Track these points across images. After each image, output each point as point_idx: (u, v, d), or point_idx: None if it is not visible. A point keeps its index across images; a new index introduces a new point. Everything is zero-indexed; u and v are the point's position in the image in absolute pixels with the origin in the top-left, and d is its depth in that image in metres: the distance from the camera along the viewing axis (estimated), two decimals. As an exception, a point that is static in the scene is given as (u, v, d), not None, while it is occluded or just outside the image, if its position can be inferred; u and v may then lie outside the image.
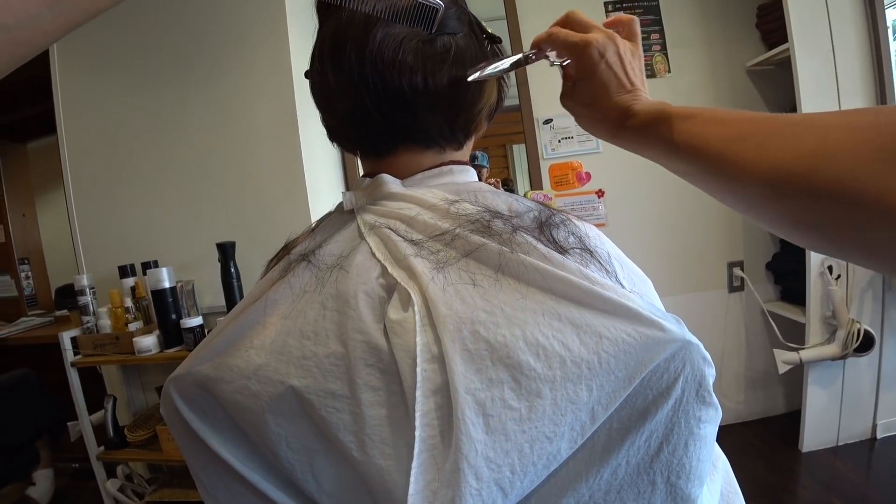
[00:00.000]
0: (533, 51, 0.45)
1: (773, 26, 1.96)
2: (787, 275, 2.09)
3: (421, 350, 0.32)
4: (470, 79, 0.42)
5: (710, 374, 0.34)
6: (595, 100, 0.43)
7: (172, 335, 1.55)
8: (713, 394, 0.35)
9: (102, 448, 1.69)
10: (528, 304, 0.33)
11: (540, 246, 0.36)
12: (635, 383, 0.32)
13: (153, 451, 1.64)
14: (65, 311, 2.43)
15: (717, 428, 0.36)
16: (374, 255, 0.39)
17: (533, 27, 2.05)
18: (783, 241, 2.13)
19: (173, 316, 1.56)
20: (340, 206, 0.47)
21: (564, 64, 0.46)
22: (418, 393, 0.31)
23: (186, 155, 1.76)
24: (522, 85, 2.04)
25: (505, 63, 0.43)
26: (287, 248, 0.46)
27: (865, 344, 1.76)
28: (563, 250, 0.37)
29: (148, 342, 1.54)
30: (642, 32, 1.94)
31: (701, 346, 0.34)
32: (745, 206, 0.34)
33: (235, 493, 0.37)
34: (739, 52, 2.09)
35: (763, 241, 2.16)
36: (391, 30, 0.40)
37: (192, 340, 1.52)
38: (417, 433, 0.31)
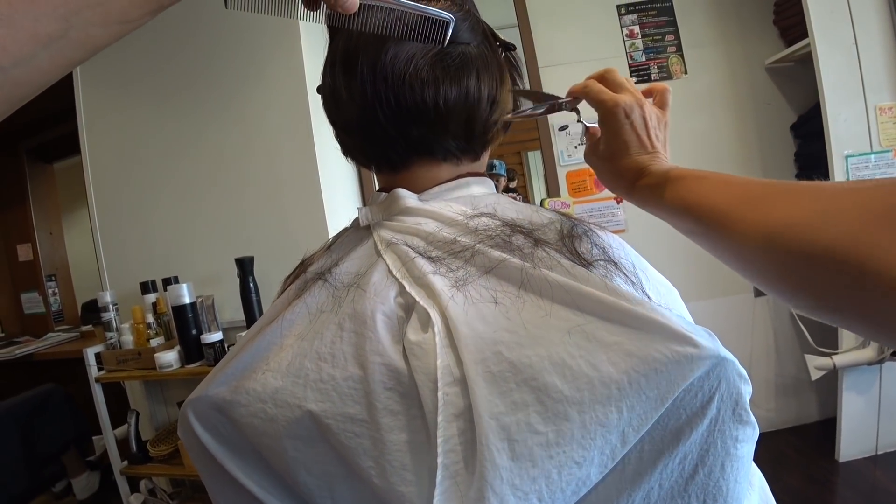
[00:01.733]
0: (568, 98, 0.48)
1: (791, 21, 1.92)
2: (816, 277, 2.02)
3: (442, 373, 0.31)
4: (508, 118, 0.46)
5: (747, 391, 0.33)
6: (615, 156, 0.46)
7: (193, 350, 1.57)
8: (750, 412, 0.33)
9: (126, 462, 1.71)
10: (553, 321, 0.32)
11: (563, 260, 0.35)
12: (667, 403, 0.30)
13: (175, 466, 1.66)
14: (90, 326, 2.48)
15: (753, 447, 0.35)
16: (391, 272, 0.38)
17: (544, 34, 2.04)
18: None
19: (194, 331, 1.57)
20: (356, 221, 0.46)
21: (590, 126, 0.50)
22: (440, 418, 0.30)
23: (205, 172, 1.79)
24: (536, 92, 2.03)
25: (541, 107, 0.48)
26: (303, 266, 0.46)
27: (903, 348, 1.68)
28: (587, 263, 0.36)
29: (169, 357, 1.55)
30: (656, 34, 1.92)
31: (736, 361, 0.32)
32: (744, 264, 0.34)
33: None
34: (757, 50, 2.04)
35: (789, 243, 2.09)
36: (404, 42, 0.40)
37: (212, 356, 1.54)
38: (440, 459, 0.30)
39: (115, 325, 1.69)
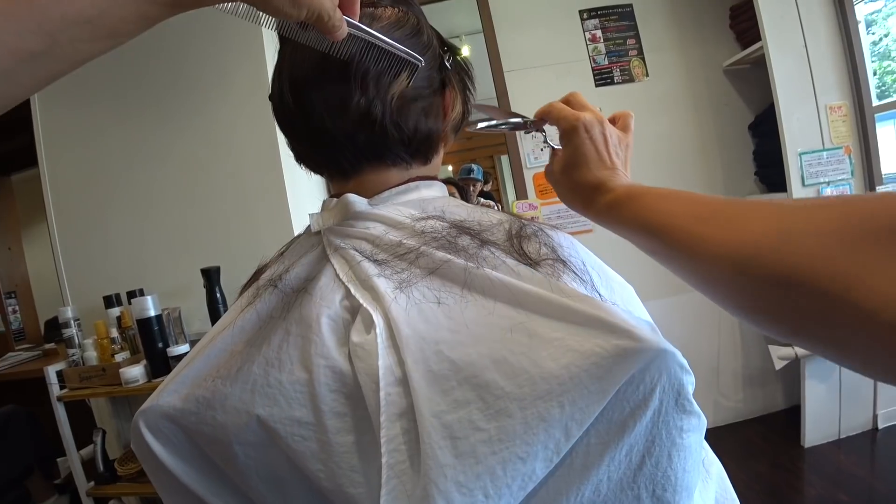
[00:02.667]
0: (533, 119, 0.49)
1: (746, 26, 2.00)
2: (778, 270, 2.09)
3: (384, 373, 0.31)
4: (473, 129, 0.47)
5: (689, 381, 0.33)
6: (574, 168, 0.46)
7: (160, 364, 1.53)
8: (694, 402, 0.34)
9: (93, 483, 1.65)
10: (495, 320, 0.32)
11: (508, 260, 0.36)
12: (609, 396, 0.30)
13: (145, 484, 1.60)
14: (53, 345, 2.39)
15: (702, 436, 0.35)
16: (338, 277, 0.38)
17: (509, 40, 2.07)
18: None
19: (160, 344, 1.53)
20: (309, 227, 0.46)
21: (555, 147, 0.50)
22: (383, 418, 0.30)
23: (169, 182, 1.75)
24: (502, 96, 2.06)
25: (504, 123, 0.49)
26: (258, 273, 0.46)
27: (859, 335, 1.76)
28: (533, 262, 0.37)
29: (135, 372, 1.51)
30: (618, 38, 1.96)
31: (678, 353, 0.33)
32: (709, 286, 0.33)
33: None
34: (715, 53, 2.12)
35: (751, 238, 2.17)
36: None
37: (180, 368, 1.50)
38: (384, 459, 0.30)
39: (77, 340, 1.64)
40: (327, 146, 0.43)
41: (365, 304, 0.35)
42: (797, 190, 1.81)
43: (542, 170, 2.07)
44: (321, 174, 0.48)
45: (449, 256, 0.35)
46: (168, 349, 1.52)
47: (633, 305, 0.40)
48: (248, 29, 1.70)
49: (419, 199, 0.44)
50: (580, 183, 0.45)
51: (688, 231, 0.33)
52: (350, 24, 0.36)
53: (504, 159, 2.56)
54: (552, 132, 0.50)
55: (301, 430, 0.32)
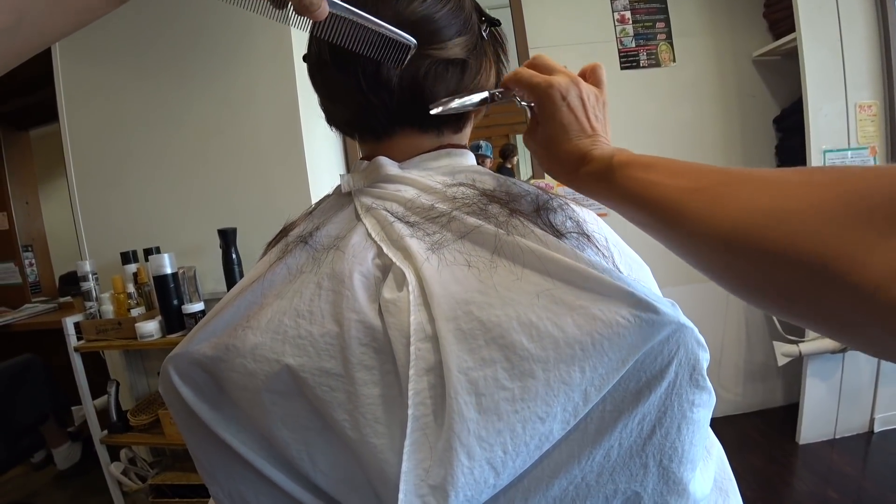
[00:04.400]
0: (499, 90, 0.45)
1: (780, 16, 1.94)
2: (789, 267, 2.08)
3: (415, 329, 0.33)
4: (433, 111, 0.42)
5: (705, 357, 0.34)
6: (554, 141, 0.43)
7: (174, 321, 1.57)
8: (707, 378, 0.35)
9: (106, 432, 1.71)
10: (524, 285, 0.33)
11: (536, 229, 0.36)
12: (629, 365, 0.32)
13: (156, 435, 1.67)
14: (68, 298, 2.45)
15: (710, 412, 0.36)
16: (370, 236, 0.39)
17: (536, 15, 2.03)
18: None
19: (175, 301, 1.57)
20: (338, 188, 0.47)
21: (531, 105, 0.46)
22: (411, 372, 0.32)
23: (188, 142, 1.76)
24: (526, 74, 2.03)
25: (473, 98, 0.44)
26: (285, 231, 0.47)
27: (866, 337, 1.76)
28: (559, 234, 0.37)
29: (150, 327, 1.55)
30: (647, 21, 1.90)
31: (695, 329, 0.34)
32: (700, 261, 0.32)
33: (232, 472, 0.37)
34: (746, 42, 2.06)
35: (765, 234, 2.15)
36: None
37: (193, 325, 1.53)
38: (410, 412, 0.31)
39: (94, 294, 1.68)
40: (361, 108, 0.43)
41: (398, 263, 0.36)
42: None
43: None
44: (352, 136, 0.48)
45: (480, 222, 0.36)
46: (183, 307, 1.55)
47: (649, 284, 0.41)
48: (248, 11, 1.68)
49: (450, 166, 0.44)
50: (561, 155, 0.42)
51: (675, 205, 0.32)
52: (332, 4, 0.34)
53: (520, 138, 2.53)
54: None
55: (329, 381, 0.34)
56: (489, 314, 0.32)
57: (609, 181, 0.38)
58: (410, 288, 0.34)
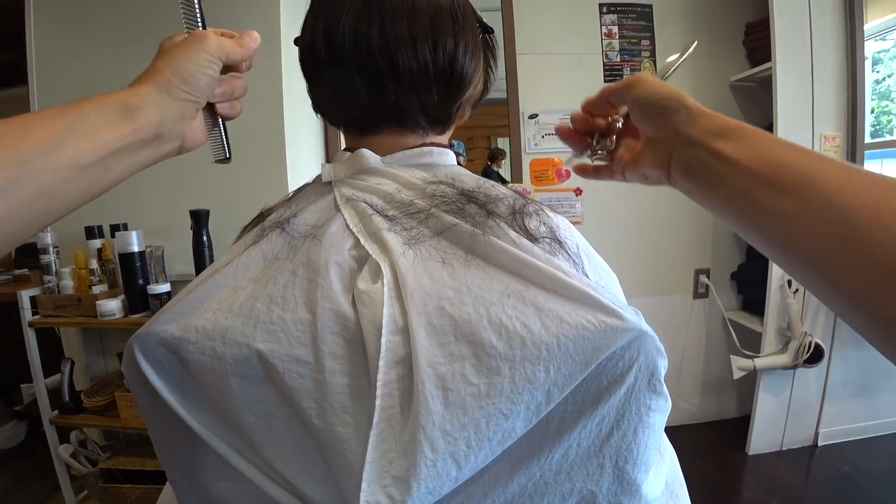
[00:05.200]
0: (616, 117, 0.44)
1: (758, 45, 2.02)
2: (750, 285, 2.17)
3: (387, 321, 0.33)
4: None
5: (663, 364, 0.36)
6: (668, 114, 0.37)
7: (138, 301, 1.52)
8: (664, 384, 0.36)
9: (56, 412, 1.64)
10: (495, 284, 0.34)
11: (511, 232, 0.37)
12: (591, 368, 0.33)
13: (110, 418, 1.61)
14: (25, 271, 2.34)
15: (665, 418, 0.38)
16: (348, 226, 0.39)
17: (526, 22, 2.05)
18: (749, 251, 2.20)
19: (140, 281, 1.52)
20: (319, 177, 0.47)
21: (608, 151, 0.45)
22: (381, 363, 0.32)
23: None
24: (511, 78, 2.05)
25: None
26: (262, 216, 0.46)
27: (815, 356, 1.85)
28: (533, 238, 0.38)
29: (112, 306, 1.50)
30: (633, 37, 1.94)
31: (656, 337, 0.35)
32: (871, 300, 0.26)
33: (193, 457, 0.37)
34: (724, 67, 2.14)
35: (730, 251, 2.24)
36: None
37: (158, 306, 1.49)
38: (378, 402, 0.31)
39: (54, 268, 1.61)
40: (351, 101, 0.43)
41: (374, 255, 0.36)
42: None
43: (540, 157, 2.09)
44: (337, 126, 0.48)
45: (457, 220, 0.37)
46: (148, 287, 1.51)
47: (615, 291, 0.43)
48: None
49: (431, 164, 0.45)
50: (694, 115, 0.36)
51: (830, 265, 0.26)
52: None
53: (500, 141, 2.56)
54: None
55: (298, 368, 0.34)
56: (460, 311, 0.33)
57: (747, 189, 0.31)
58: (385, 280, 0.35)
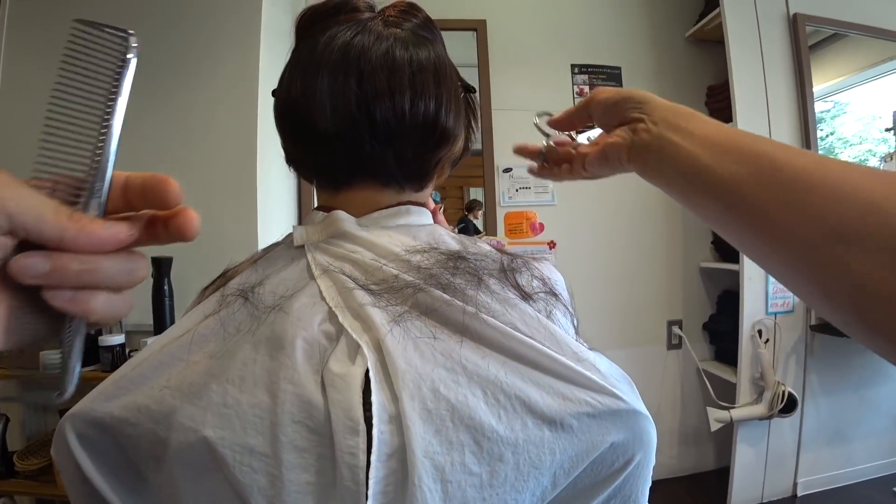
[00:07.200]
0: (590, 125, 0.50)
1: (719, 106, 2.15)
2: (722, 335, 2.20)
3: (377, 409, 0.30)
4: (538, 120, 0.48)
5: (655, 436, 0.35)
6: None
7: (88, 353, 1.41)
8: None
9: (-17, 477, 1.47)
10: (491, 362, 0.32)
11: (505, 294, 0.36)
12: (599, 451, 0.31)
13: (45, 484, 1.45)
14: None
15: None
16: (322, 298, 0.36)
17: (501, 79, 2.13)
18: (719, 302, 2.25)
19: (91, 332, 1.41)
20: (289, 238, 0.44)
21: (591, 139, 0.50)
22: (373, 457, 0.29)
23: (133, 162, 1.65)
24: (486, 133, 2.10)
25: (592, 133, 0.50)
26: (225, 277, 0.43)
27: (789, 405, 1.86)
28: (527, 296, 0.37)
29: (56, 357, 1.38)
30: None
31: (648, 414, 0.35)
32: (782, 274, 0.31)
33: None
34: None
35: (701, 302, 2.27)
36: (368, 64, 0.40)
37: (109, 360, 1.38)
38: (370, 503, 0.28)
39: (-5, 316, 1.49)
40: (326, 152, 0.41)
41: (354, 335, 0.33)
42: (748, 261, 1.92)
43: (514, 209, 2.12)
44: (310, 181, 0.46)
45: (448, 297, 0.35)
46: (101, 337, 1.41)
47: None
48: (245, 21, 1.67)
49: (408, 226, 0.43)
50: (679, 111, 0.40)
51: (761, 209, 0.30)
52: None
53: (473, 192, 2.60)
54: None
55: (252, 461, 0.29)
56: (457, 393, 0.30)
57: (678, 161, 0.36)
58: (370, 363, 0.31)
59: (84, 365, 1.40)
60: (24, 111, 1.69)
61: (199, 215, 0.25)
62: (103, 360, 1.40)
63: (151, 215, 0.26)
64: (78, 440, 0.32)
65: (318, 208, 0.44)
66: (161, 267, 1.48)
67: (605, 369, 0.35)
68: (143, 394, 0.33)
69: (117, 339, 1.41)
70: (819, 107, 2.22)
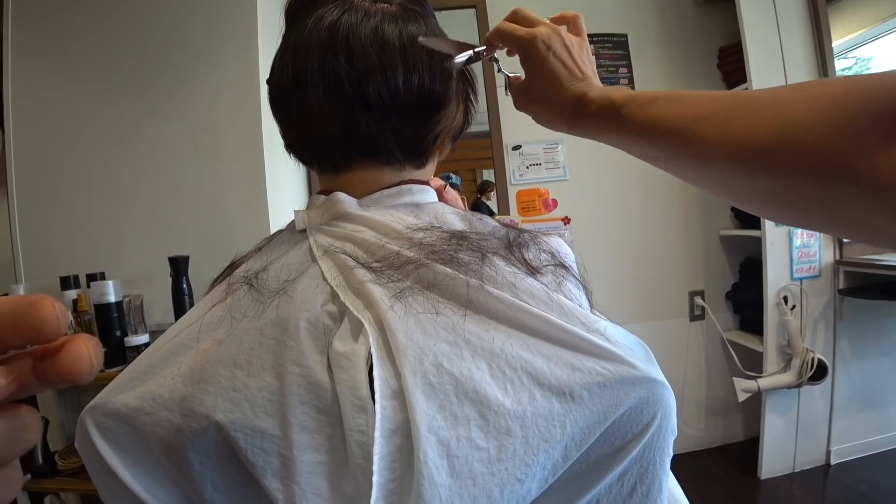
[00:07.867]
0: (483, 47, 0.45)
1: (732, 67, 2.07)
2: (746, 304, 2.15)
3: (380, 385, 0.29)
4: (422, 41, 0.41)
5: (675, 404, 0.34)
6: (548, 93, 0.43)
7: (115, 353, 1.45)
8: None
9: (29, 476, 1.54)
10: (495, 335, 0.31)
11: (512, 269, 0.35)
12: (611, 419, 0.30)
13: (87, 481, 1.51)
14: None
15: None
16: (324, 278, 0.36)
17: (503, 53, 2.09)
18: (742, 270, 2.20)
19: (118, 332, 1.45)
20: (292, 224, 0.44)
21: (511, 75, 0.47)
22: (377, 434, 0.28)
23: (142, 163, 1.68)
24: (493, 110, 2.07)
25: (462, 57, 0.43)
26: (232, 267, 0.43)
27: (819, 373, 1.81)
28: (534, 270, 0.36)
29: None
30: (611, 66, 1.98)
31: (664, 379, 0.33)
32: (714, 184, 0.33)
33: None
34: (702, 90, 2.18)
35: (723, 271, 2.22)
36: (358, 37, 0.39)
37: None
38: (375, 478, 0.27)
39: (26, 322, 1.54)
40: (322, 133, 0.41)
41: (356, 312, 0.33)
42: (770, 227, 1.87)
43: (526, 187, 2.09)
44: (310, 166, 0.46)
45: (450, 271, 0.34)
46: (126, 338, 1.44)
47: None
48: (242, 14, 1.67)
49: (412, 204, 0.42)
50: (558, 102, 0.43)
51: (686, 133, 0.32)
52: None
53: (485, 173, 2.58)
54: (506, 61, 0.48)
55: (263, 443, 0.30)
56: (460, 367, 0.29)
57: (614, 119, 0.38)
58: (372, 340, 0.31)
59: (110, 366, 1.45)
60: (33, 112, 1.72)
61: (95, 346, 0.18)
62: (130, 359, 1.44)
63: (40, 350, 0.18)
64: (98, 431, 0.33)
65: (320, 192, 0.44)
66: (178, 266, 1.51)
67: (618, 337, 0.33)
68: (156, 383, 0.33)
69: (143, 338, 1.45)
70: (840, 64, 2.12)
